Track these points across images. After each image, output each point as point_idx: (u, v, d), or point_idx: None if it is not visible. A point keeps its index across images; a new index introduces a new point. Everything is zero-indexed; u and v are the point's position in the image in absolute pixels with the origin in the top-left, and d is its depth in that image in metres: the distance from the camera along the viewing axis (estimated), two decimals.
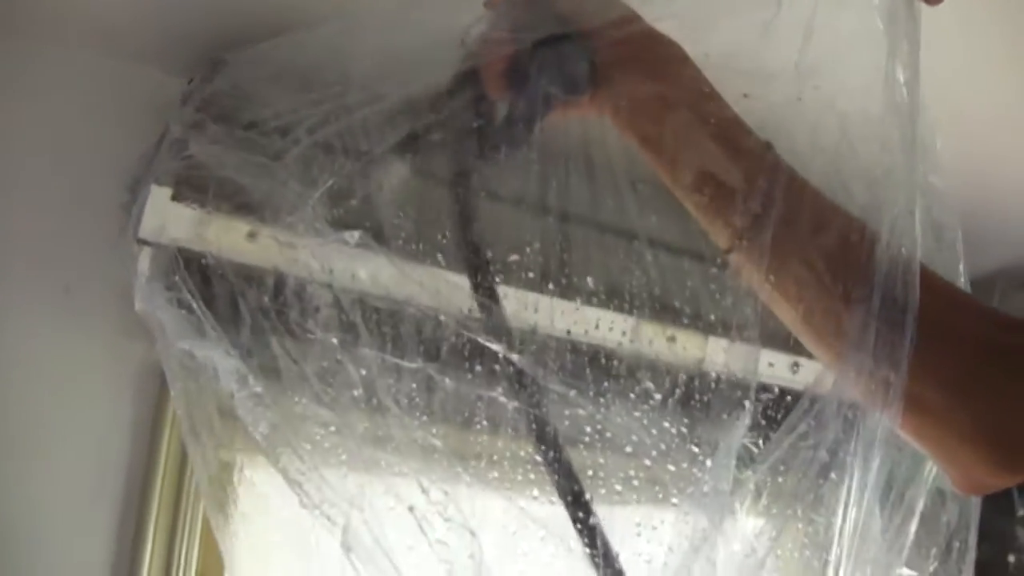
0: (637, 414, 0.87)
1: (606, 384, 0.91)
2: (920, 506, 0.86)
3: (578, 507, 0.75)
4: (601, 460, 0.85)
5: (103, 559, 1.00)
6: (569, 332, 1.04)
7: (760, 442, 0.97)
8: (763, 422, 1.00)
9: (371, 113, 0.79)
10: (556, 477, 0.75)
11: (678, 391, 0.91)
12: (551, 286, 1.02)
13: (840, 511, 0.72)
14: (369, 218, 0.89)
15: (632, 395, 0.90)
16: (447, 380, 0.85)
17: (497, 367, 0.80)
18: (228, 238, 0.96)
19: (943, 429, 0.65)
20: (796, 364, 1.21)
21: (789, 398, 0.97)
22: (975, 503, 0.84)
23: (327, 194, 0.81)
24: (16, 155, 1.02)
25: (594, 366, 0.94)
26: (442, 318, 0.80)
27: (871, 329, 0.63)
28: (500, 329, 0.78)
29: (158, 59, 1.05)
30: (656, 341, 1.12)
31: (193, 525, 1.05)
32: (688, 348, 1.13)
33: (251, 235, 0.97)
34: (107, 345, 1.04)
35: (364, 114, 0.79)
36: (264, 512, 1.00)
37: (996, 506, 0.69)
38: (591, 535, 0.75)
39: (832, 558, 0.74)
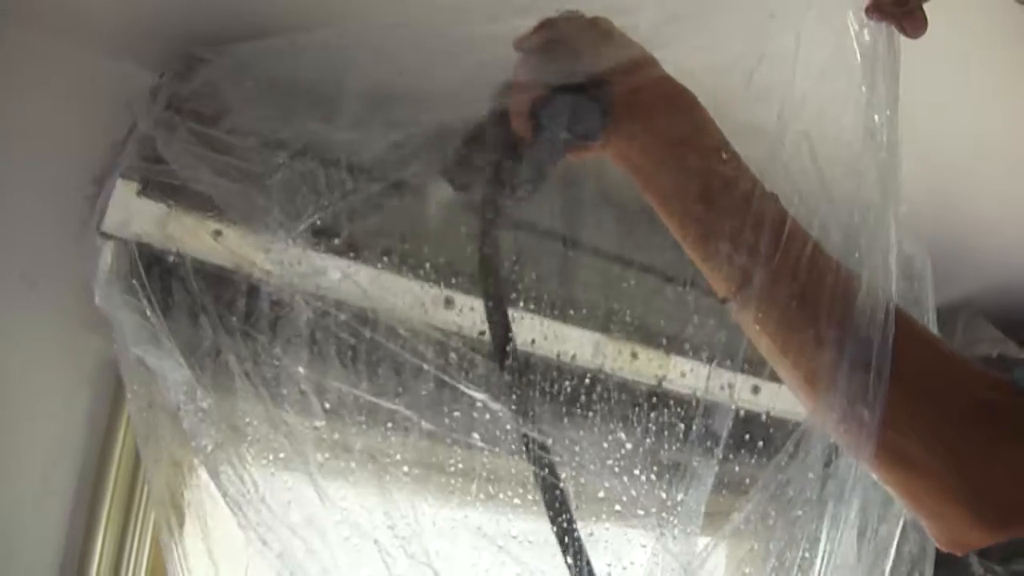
0: (609, 462, 0.88)
1: (582, 433, 0.90)
2: (895, 542, 0.88)
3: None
4: (575, 504, 0.84)
5: (52, 556, 0.95)
6: (533, 342, 1.03)
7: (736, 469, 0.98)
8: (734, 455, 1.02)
9: (359, 151, 0.76)
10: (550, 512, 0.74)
11: (649, 440, 0.91)
12: (516, 297, 1.01)
13: (819, 549, 0.74)
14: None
15: (606, 444, 0.90)
16: (423, 423, 0.83)
17: (475, 414, 0.80)
18: (194, 237, 0.91)
19: (927, 485, 0.65)
20: (756, 387, 1.21)
21: (762, 443, 0.98)
22: None
23: (310, 229, 0.78)
24: None
25: (571, 415, 0.93)
26: (424, 367, 0.78)
27: (845, 369, 0.64)
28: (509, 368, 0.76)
29: (130, 51, 0.98)
30: (619, 358, 1.11)
31: (145, 524, 1.00)
32: (650, 365, 1.12)
33: (217, 234, 0.92)
34: (65, 338, 0.98)
35: (351, 153, 0.76)
36: (215, 515, 0.99)
37: None
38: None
39: None
